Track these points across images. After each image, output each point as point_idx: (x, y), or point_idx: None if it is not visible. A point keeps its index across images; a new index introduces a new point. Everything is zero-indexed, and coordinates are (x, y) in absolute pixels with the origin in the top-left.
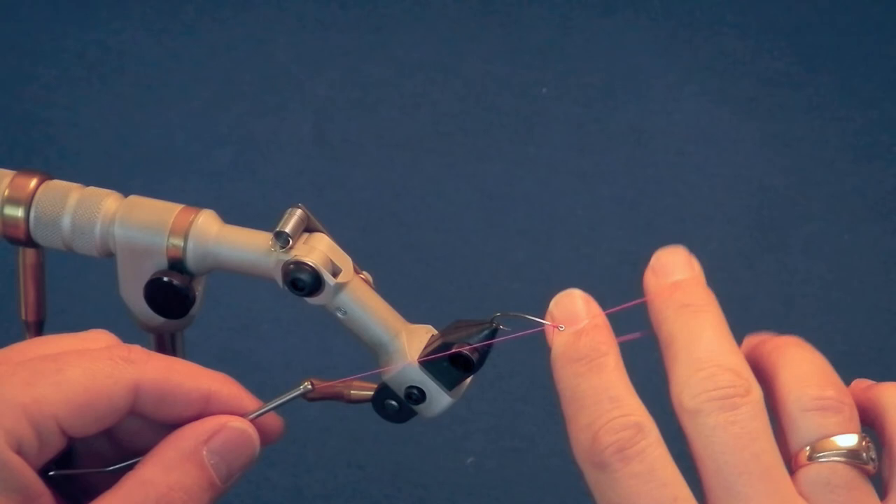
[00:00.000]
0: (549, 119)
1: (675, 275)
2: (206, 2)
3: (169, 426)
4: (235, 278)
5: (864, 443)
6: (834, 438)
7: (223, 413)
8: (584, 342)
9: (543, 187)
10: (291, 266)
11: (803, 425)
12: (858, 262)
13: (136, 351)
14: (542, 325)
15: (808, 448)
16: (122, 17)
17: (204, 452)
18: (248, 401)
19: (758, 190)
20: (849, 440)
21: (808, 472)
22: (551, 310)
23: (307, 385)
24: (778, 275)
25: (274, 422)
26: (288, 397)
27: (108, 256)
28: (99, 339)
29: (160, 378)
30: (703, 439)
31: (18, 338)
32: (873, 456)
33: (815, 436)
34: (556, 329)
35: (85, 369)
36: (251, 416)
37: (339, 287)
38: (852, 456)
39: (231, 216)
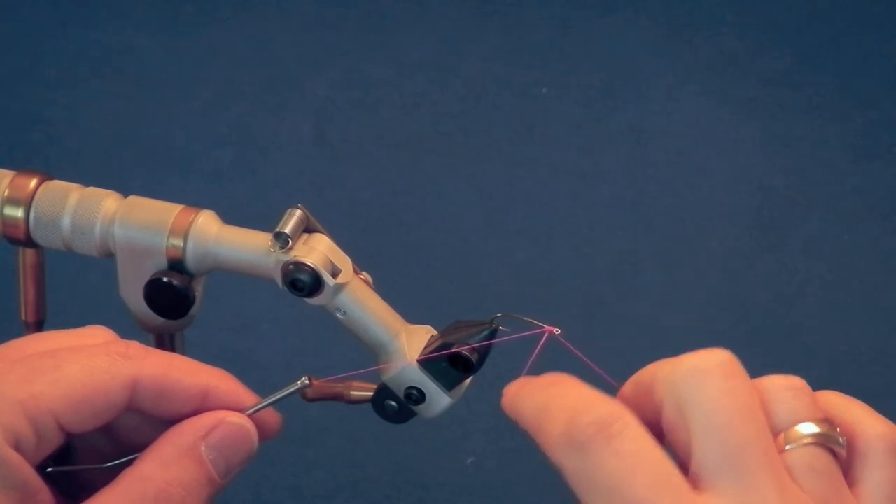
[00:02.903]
0: (549, 119)
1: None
2: (206, 2)
3: (167, 422)
4: (235, 278)
5: (836, 427)
6: (809, 423)
7: (221, 408)
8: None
9: (543, 187)
10: (291, 267)
11: (780, 409)
12: (858, 262)
13: (134, 347)
14: (541, 328)
15: (785, 433)
16: (122, 17)
17: (202, 448)
18: (245, 396)
19: (758, 190)
20: (820, 426)
21: (790, 457)
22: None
23: (304, 380)
24: (778, 275)
25: (272, 417)
26: (286, 392)
27: (108, 256)
28: (97, 335)
29: (158, 374)
30: None
31: (18, 337)
32: (842, 441)
33: (793, 420)
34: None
35: (83, 365)
36: (249, 412)
37: (339, 287)
38: (827, 439)
39: (231, 216)
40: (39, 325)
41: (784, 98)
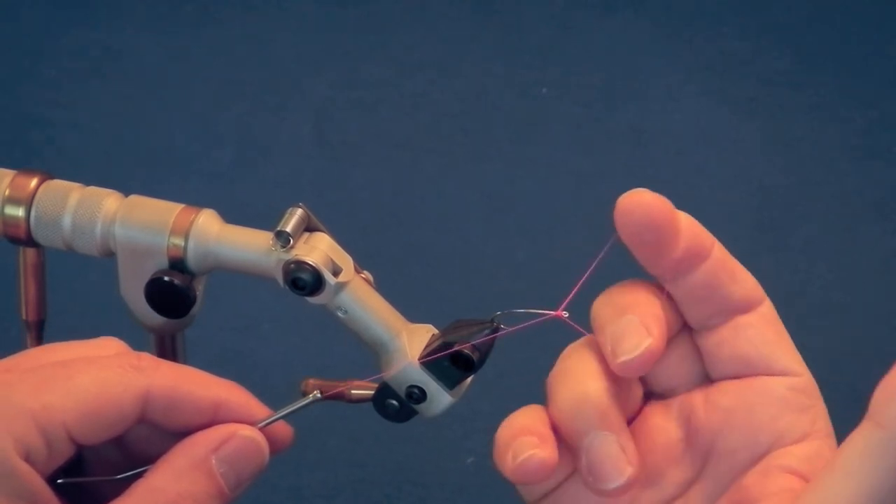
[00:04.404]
0: (549, 119)
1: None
2: (206, 2)
3: (178, 434)
4: (235, 278)
5: None
6: None
7: (232, 421)
8: None
9: (543, 187)
10: (292, 265)
11: None
12: (858, 262)
13: (146, 359)
14: (547, 315)
15: None
16: (122, 17)
17: (213, 461)
18: (257, 409)
19: (758, 190)
20: None
21: None
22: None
23: (316, 394)
24: (778, 275)
25: (283, 430)
26: (297, 406)
27: (109, 256)
28: (109, 347)
29: (170, 386)
30: None
31: (18, 338)
32: None
33: None
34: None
35: (95, 377)
36: (261, 425)
37: (340, 286)
38: None
39: (231, 216)
40: (40, 325)
41: (784, 98)
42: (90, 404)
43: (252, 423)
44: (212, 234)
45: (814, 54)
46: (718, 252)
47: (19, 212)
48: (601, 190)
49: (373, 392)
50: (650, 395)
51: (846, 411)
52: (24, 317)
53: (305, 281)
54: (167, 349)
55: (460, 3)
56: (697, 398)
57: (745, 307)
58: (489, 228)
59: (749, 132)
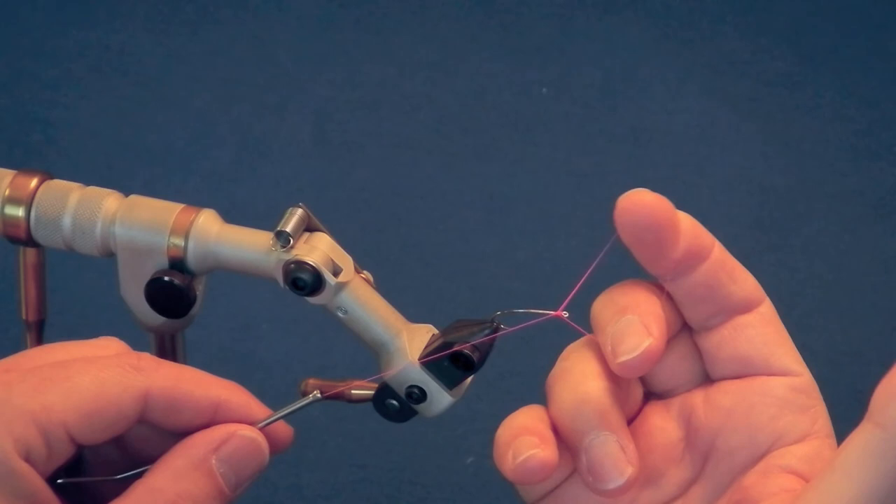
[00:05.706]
0: (549, 119)
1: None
2: (206, 2)
3: (178, 434)
4: (235, 278)
5: None
6: None
7: (232, 421)
8: None
9: (543, 187)
10: (292, 265)
11: None
12: (858, 262)
13: (146, 359)
14: (547, 315)
15: None
16: (122, 17)
17: (213, 461)
18: (257, 409)
19: (758, 190)
20: None
21: None
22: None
23: (316, 394)
24: (778, 275)
25: (283, 430)
26: (297, 406)
27: (109, 256)
28: (109, 347)
29: (169, 386)
30: None
31: (18, 338)
32: None
33: None
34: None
35: (94, 377)
36: (260, 425)
37: (340, 286)
38: None
39: (231, 216)
40: (40, 325)
41: (784, 98)
42: (90, 404)
43: (252, 423)
44: (212, 234)
45: (814, 54)
46: (718, 252)
47: (19, 212)
48: (601, 190)
49: (373, 392)
50: (650, 395)
51: (846, 411)
52: (24, 317)
53: (305, 281)
54: (167, 349)
55: (460, 3)
56: (697, 398)
57: (745, 307)
58: (489, 228)
59: (749, 132)
